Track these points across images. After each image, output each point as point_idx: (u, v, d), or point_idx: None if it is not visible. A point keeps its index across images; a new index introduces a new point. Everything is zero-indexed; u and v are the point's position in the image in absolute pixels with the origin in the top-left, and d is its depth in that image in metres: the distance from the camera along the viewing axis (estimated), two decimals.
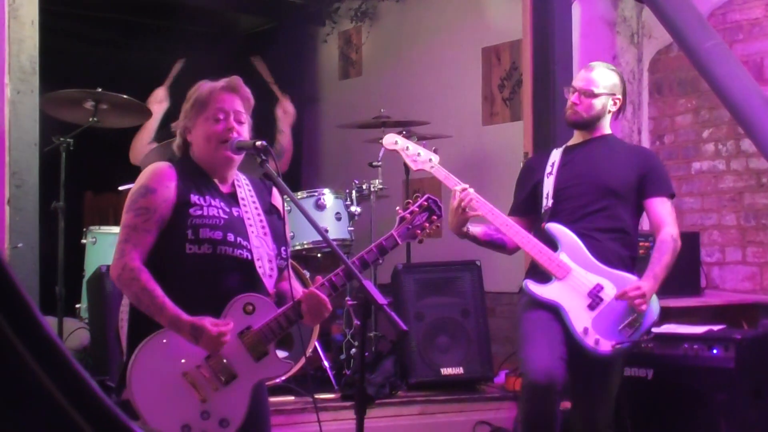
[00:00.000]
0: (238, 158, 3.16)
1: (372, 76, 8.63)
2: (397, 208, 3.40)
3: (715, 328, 4.63)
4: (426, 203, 3.36)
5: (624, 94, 4.16)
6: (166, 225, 3.03)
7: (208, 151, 3.13)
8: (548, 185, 4.11)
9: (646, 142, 6.37)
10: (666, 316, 4.96)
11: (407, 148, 4.09)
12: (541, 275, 3.96)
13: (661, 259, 3.91)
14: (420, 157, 4.04)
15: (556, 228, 3.99)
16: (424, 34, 8.05)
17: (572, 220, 4.00)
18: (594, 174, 4.04)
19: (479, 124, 7.52)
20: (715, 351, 4.39)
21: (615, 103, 4.12)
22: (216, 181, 3.17)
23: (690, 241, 5.58)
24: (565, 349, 3.85)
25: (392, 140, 4.15)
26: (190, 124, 3.16)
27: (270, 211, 3.25)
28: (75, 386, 0.90)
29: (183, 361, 2.96)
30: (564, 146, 4.24)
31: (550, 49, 5.81)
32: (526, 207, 4.20)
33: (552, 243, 3.98)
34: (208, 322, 2.93)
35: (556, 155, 4.20)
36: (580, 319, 3.86)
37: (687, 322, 4.88)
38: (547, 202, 4.08)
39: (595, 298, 3.87)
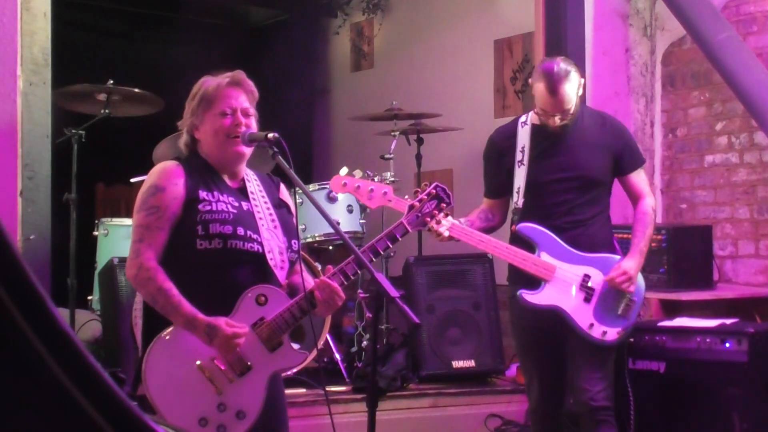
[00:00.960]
0: (248, 153, 3.15)
1: (384, 68, 8.62)
2: (406, 196, 3.42)
3: (728, 321, 4.61)
4: (435, 191, 3.36)
5: (580, 73, 4.00)
6: (176, 223, 3.03)
7: (217, 146, 3.13)
8: (519, 178, 4.01)
9: (658, 135, 6.34)
10: (678, 309, 4.96)
11: (357, 187, 3.84)
12: (526, 279, 3.95)
13: (645, 232, 4.01)
14: (374, 192, 3.81)
15: (528, 228, 3.96)
16: (436, 26, 8.04)
17: (560, 215, 3.97)
18: (576, 168, 3.98)
19: (491, 117, 7.50)
20: (727, 344, 4.37)
21: (582, 88, 3.99)
22: (225, 176, 3.18)
23: (703, 234, 5.57)
24: (559, 366, 4.04)
25: (340, 183, 3.87)
26: (197, 121, 3.15)
27: (279, 205, 3.26)
28: (88, 379, 0.90)
29: (198, 353, 2.96)
30: (530, 123, 4.08)
31: (563, 41, 5.79)
32: (501, 189, 4.13)
33: (527, 243, 3.96)
34: (223, 322, 2.95)
35: (524, 136, 4.06)
36: (583, 316, 3.91)
37: (699, 316, 4.86)
38: (518, 199, 4.00)
39: (587, 290, 3.92)
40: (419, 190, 3.41)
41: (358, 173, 3.96)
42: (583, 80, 4.01)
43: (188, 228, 3.01)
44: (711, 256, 5.66)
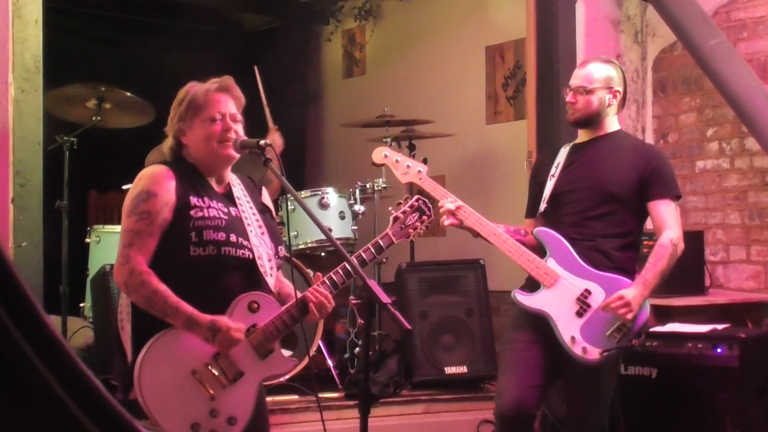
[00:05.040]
0: (237, 156, 3.17)
1: (376, 75, 8.63)
2: (390, 208, 3.52)
3: (720, 327, 4.62)
4: (416, 203, 3.49)
5: (624, 85, 4.05)
6: (167, 228, 3.03)
7: (207, 151, 3.14)
8: (548, 188, 4.07)
9: (650, 141, 6.35)
10: (670, 315, 4.96)
11: (396, 161, 4.10)
12: (534, 285, 3.93)
13: (656, 265, 3.83)
14: (410, 169, 4.07)
15: (544, 233, 3.96)
16: (428, 32, 8.05)
17: (569, 225, 3.95)
18: (595, 178, 3.96)
19: (483, 123, 7.52)
20: (719, 350, 4.38)
21: (615, 96, 4.00)
22: (212, 181, 3.19)
23: (694, 239, 5.57)
24: (541, 373, 3.91)
25: (381, 154, 4.13)
26: (185, 126, 3.16)
27: (263, 210, 3.29)
28: (79, 385, 0.90)
29: (192, 359, 2.97)
30: (572, 144, 4.16)
31: (554, 47, 5.80)
32: (538, 207, 4.13)
33: (541, 248, 3.96)
34: (224, 319, 2.97)
35: (562, 155, 4.13)
36: (568, 327, 3.83)
37: (691, 321, 4.86)
38: (542, 206, 4.06)
39: (582, 304, 3.83)
40: (402, 202, 3.52)
41: (403, 150, 4.19)
42: (620, 90, 4.03)
43: (181, 234, 3.02)
44: (702, 262, 5.67)
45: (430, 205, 3.54)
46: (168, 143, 3.21)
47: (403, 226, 3.43)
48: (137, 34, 8.90)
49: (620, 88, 4.02)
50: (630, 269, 3.95)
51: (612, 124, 4.07)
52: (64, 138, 5.24)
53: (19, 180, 4.57)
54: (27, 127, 4.61)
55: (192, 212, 3.04)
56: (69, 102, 5.43)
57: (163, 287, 2.95)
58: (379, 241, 3.35)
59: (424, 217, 3.48)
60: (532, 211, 4.19)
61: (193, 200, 3.06)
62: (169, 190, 3.04)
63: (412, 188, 6.32)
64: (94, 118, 5.40)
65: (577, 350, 3.81)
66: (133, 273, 2.96)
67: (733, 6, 5.93)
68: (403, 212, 3.45)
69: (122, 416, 0.92)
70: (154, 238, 3.01)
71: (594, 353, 3.79)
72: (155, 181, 3.06)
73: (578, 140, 4.15)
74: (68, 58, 7.09)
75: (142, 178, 3.11)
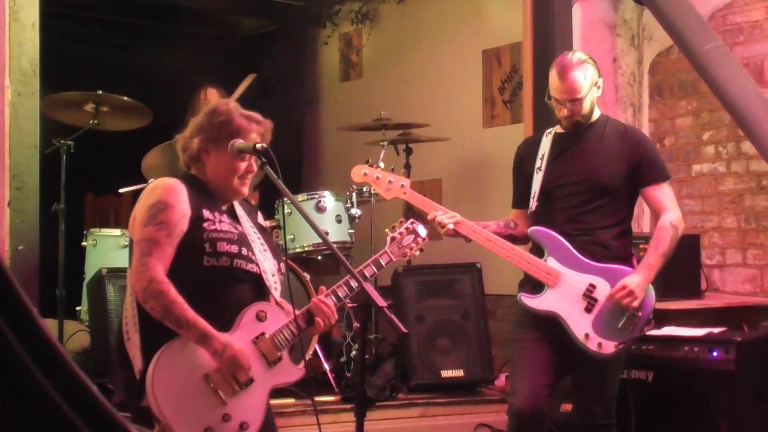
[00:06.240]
0: (246, 194, 3.26)
1: (372, 79, 8.63)
2: (386, 230, 3.60)
3: (716, 330, 4.63)
4: (411, 227, 3.60)
5: (598, 70, 4.00)
6: (182, 238, 3.06)
7: (224, 180, 3.20)
8: (536, 183, 4.04)
9: None
10: (666, 318, 4.96)
11: (377, 178, 4.06)
12: (535, 284, 3.93)
13: (658, 248, 3.86)
14: (392, 184, 4.04)
15: (540, 232, 3.96)
16: (424, 36, 8.05)
17: (564, 221, 3.95)
18: (585, 172, 3.96)
19: (480, 127, 7.52)
20: (715, 353, 4.39)
21: (599, 87, 3.99)
22: (218, 200, 3.24)
23: (690, 243, 5.58)
24: (551, 371, 3.91)
25: (360, 173, 4.09)
26: (213, 147, 3.19)
27: (260, 230, 3.36)
28: (74, 389, 0.90)
29: (204, 364, 3.01)
30: (554, 132, 4.11)
31: (551, 51, 5.80)
32: (524, 198, 4.12)
33: (538, 247, 3.97)
34: (238, 345, 3.01)
35: (545, 145, 4.08)
36: (580, 325, 3.83)
37: (687, 325, 4.87)
38: (532, 203, 4.03)
39: (589, 299, 3.84)
40: (396, 225, 3.60)
41: (381, 165, 4.28)
42: (601, 80, 3.99)
43: (195, 245, 3.07)
44: (699, 266, 5.68)
45: (424, 229, 3.64)
46: (187, 149, 3.22)
47: (399, 246, 3.55)
48: (134, 37, 8.90)
49: (600, 78, 4.00)
50: (627, 256, 3.99)
51: (596, 111, 4.06)
52: (61, 141, 5.24)
53: (16, 183, 4.57)
54: (24, 130, 4.61)
55: (205, 224, 3.09)
56: (66, 105, 5.42)
57: (180, 299, 2.97)
58: (380, 259, 3.46)
59: (419, 239, 3.59)
60: (518, 202, 4.18)
61: (206, 213, 3.12)
62: (183, 202, 3.09)
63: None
64: (91, 122, 5.40)
65: (592, 346, 3.82)
66: (152, 281, 2.98)
67: (729, 10, 5.94)
68: (399, 233, 3.57)
69: (117, 420, 0.92)
70: (172, 248, 3.05)
71: (609, 347, 3.82)
72: (170, 192, 3.10)
73: (561, 129, 4.09)
74: (65, 61, 7.10)
75: (156, 188, 3.13)
